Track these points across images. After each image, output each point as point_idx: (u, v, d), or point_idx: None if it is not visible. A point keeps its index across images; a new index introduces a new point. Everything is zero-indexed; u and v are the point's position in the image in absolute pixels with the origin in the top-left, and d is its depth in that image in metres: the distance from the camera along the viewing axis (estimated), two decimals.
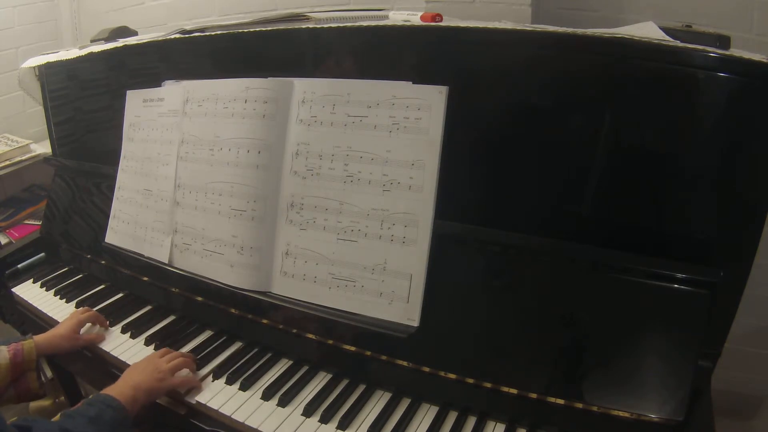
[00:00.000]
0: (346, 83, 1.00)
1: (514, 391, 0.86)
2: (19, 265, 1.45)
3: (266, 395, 0.95)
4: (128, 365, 1.07)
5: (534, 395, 0.84)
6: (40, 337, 1.09)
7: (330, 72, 1.03)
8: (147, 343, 1.12)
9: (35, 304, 1.31)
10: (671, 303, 0.80)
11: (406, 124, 0.94)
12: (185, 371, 1.00)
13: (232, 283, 1.09)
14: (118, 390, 0.91)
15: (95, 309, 1.24)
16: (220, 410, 0.93)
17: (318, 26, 1.10)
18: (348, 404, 0.93)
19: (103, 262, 1.36)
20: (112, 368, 1.10)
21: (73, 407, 0.87)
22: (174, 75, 1.25)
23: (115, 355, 1.10)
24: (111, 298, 1.30)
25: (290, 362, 1.04)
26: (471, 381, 0.88)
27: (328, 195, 1.01)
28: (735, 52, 0.79)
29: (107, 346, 1.13)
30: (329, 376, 1.00)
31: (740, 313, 0.83)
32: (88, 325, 1.17)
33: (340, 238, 0.99)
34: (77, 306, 1.27)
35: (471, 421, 0.89)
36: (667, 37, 0.84)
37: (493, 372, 0.87)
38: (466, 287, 0.92)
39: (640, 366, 0.80)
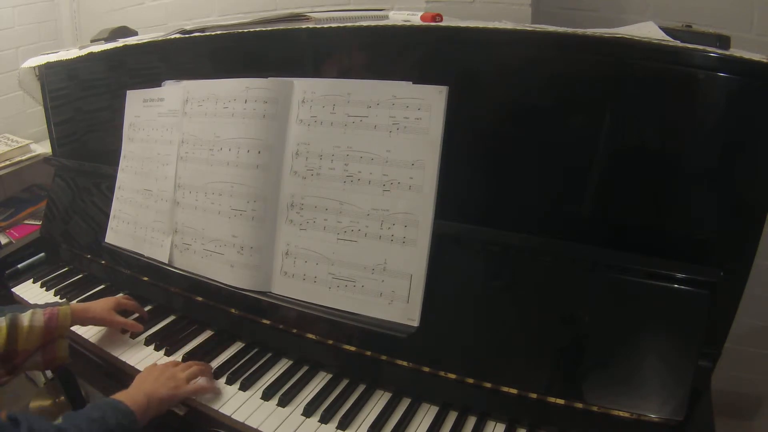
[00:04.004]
0: (346, 83, 1.00)
1: (514, 391, 0.86)
2: (19, 265, 1.45)
3: (266, 395, 0.95)
4: (128, 365, 1.07)
5: (534, 395, 0.85)
6: (76, 305, 1.09)
7: (330, 72, 1.03)
8: (147, 343, 1.12)
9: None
10: (671, 303, 0.80)
11: (406, 124, 0.94)
12: (201, 379, 0.97)
13: (232, 283, 1.09)
14: (129, 396, 0.87)
15: None
16: (220, 410, 0.93)
17: (318, 26, 1.10)
18: (348, 404, 0.93)
19: (103, 262, 1.36)
20: (112, 368, 1.10)
21: (79, 410, 0.82)
22: (174, 75, 1.25)
23: (116, 355, 1.10)
24: None
25: (290, 362, 1.04)
26: (471, 381, 0.88)
27: (328, 195, 1.01)
28: (735, 52, 0.79)
29: (107, 346, 1.13)
30: (329, 376, 1.00)
31: (740, 313, 0.83)
32: None
33: (340, 238, 0.99)
34: None
35: (471, 421, 0.89)
36: (667, 37, 0.84)
37: (493, 372, 0.87)
38: (466, 287, 0.92)
39: (640, 366, 0.80)
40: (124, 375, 1.07)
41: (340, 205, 1.00)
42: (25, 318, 0.98)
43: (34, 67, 1.59)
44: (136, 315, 1.20)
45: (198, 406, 0.95)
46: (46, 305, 1.04)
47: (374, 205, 0.97)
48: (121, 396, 0.87)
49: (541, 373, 0.85)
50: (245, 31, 1.13)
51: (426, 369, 0.92)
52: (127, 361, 1.08)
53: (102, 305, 1.13)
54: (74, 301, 1.28)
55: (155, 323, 1.19)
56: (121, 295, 1.22)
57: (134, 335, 1.15)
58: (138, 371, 1.04)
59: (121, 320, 1.13)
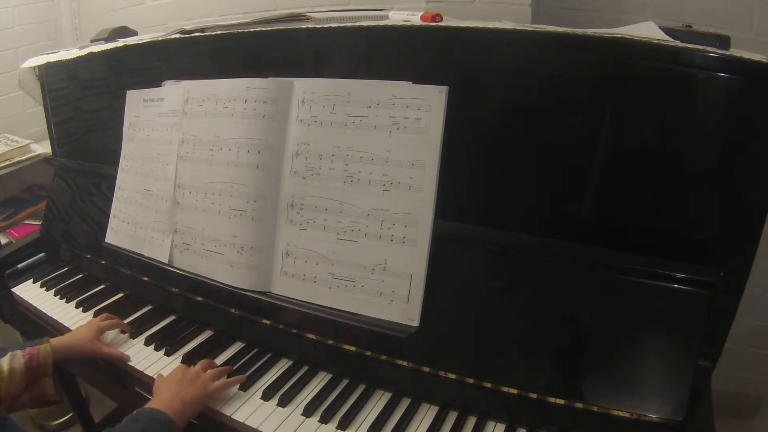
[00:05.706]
0: (346, 83, 1.00)
1: (514, 391, 0.86)
2: (19, 265, 1.45)
3: (266, 395, 0.95)
4: (128, 365, 1.07)
5: (534, 395, 0.84)
6: (56, 341, 1.04)
7: (330, 72, 1.03)
8: (147, 343, 1.12)
9: (35, 304, 1.31)
10: (671, 303, 0.80)
11: (406, 124, 0.94)
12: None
13: (232, 283, 1.09)
14: (164, 402, 0.85)
15: (95, 309, 1.25)
16: (220, 410, 0.93)
17: (318, 26, 1.10)
18: (348, 404, 0.93)
19: (103, 262, 1.36)
20: (112, 368, 1.10)
21: (116, 426, 0.80)
22: (174, 75, 1.25)
23: None
24: (111, 298, 1.30)
25: (290, 362, 1.04)
26: (471, 381, 0.88)
27: (328, 195, 1.01)
28: (735, 52, 0.79)
29: (107, 346, 1.12)
30: (329, 376, 1.00)
31: (740, 313, 0.83)
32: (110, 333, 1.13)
33: (340, 238, 0.99)
34: (77, 306, 1.27)
35: (471, 421, 0.89)
36: (667, 37, 0.84)
37: (493, 372, 0.87)
38: (466, 287, 0.92)
39: (640, 366, 0.80)
40: (124, 375, 1.08)
41: (340, 205, 1.00)
42: (4, 362, 0.96)
43: (34, 67, 1.59)
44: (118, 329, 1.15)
45: None
46: (25, 345, 1.01)
47: (374, 205, 0.97)
48: (157, 404, 0.85)
49: (541, 373, 0.85)
50: (245, 31, 1.13)
51: (426, 369, 0.92)
52: (127, 362, 1.08)
53: (84, 336, 1.07)
54: (73, 302, 1.29)
55: (155, 323, 1.19)
56: (98, 318, 1.15)
57: (133, 336, 1.15)
58: (138, 371, 1.05)
59: (106, 351, 1.07)
